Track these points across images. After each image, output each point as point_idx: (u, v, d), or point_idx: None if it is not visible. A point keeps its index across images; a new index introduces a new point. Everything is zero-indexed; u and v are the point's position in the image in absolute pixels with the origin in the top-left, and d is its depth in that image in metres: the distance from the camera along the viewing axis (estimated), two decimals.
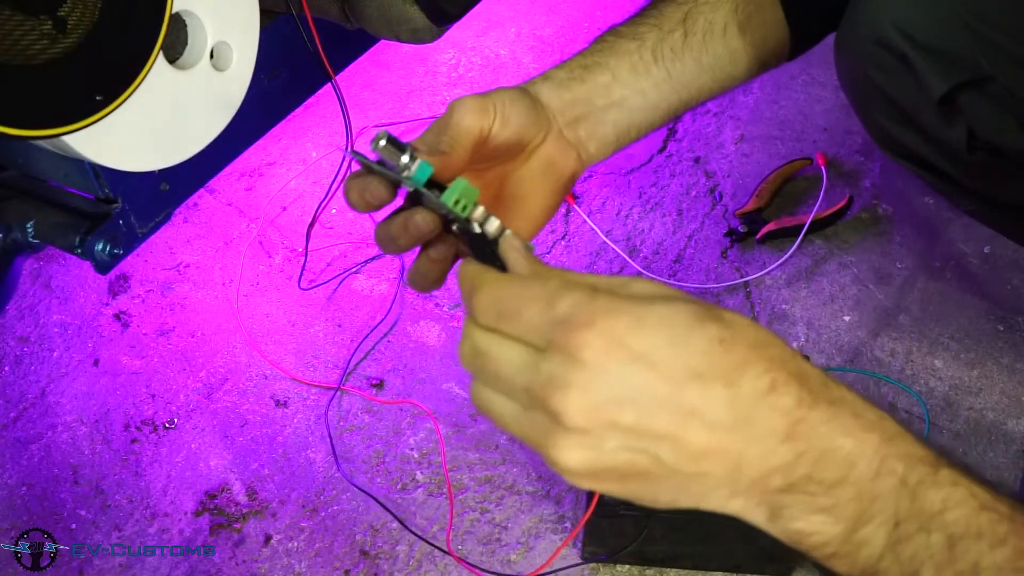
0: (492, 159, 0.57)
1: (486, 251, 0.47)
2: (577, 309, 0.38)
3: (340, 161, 1.24)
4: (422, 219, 0.50)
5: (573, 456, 0.38)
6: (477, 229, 0.46)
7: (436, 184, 0.49)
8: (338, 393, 1.04)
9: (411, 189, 0.49)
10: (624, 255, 1.15)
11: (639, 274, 1.13)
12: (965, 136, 0.70)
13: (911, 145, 0.75)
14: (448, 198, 0.47)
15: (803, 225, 1.14)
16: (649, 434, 0.37)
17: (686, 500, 0.40)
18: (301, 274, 1.14)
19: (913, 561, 0.39)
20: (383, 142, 0.47)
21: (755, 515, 0.40)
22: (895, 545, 0.39)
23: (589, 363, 0.37)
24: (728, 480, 0.38)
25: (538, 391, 0.38)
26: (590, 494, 0.82)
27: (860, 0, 0.70)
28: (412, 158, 0.48)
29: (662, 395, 0.37)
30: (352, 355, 1.07)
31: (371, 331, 1.09)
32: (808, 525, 0.39)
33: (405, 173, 0.48)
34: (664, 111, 0.68)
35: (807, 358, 0.42)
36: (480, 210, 0.47)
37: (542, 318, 0.39)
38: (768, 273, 1.13)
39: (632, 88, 0.65)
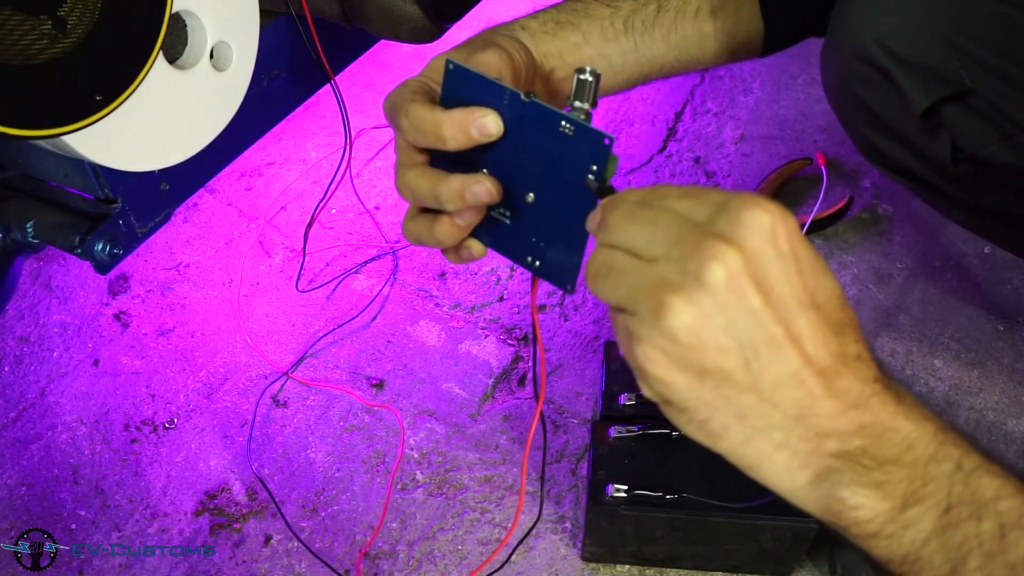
0: None
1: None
2: (756, 196, 0.38)
3: (339, 161, 1.24)
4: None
5: (687, 312, 0.37)
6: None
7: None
8: (338, 393, 1.04)
9: (567, 131, 0.45)
10: None
11: None
12: (949, 149, 0.70)
13: (897, 157, 0.76)
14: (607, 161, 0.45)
15: (803, 225, 1.14)
16: (759, 330, 0.38)
17: (738, 432, 0.40)
18: (299, 275, 1.14)
19: (961, 548, 0.39)
20: (591, 78, 0.46)
21: (797, 476, 0.40)
22: (944, 530, 0.39)
23: (755, 231, 0.37)
24: (788, 424, 0.39)
25: (691, 240, 0.38)
26: (590, 494, 0.82)
27: (843, 15, 0.70)
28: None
29: (789, 302, 0.38)
30: (352, 355, 1.07)
31: (371, 330, 1.10)
32: (854, 496, 0.39)
33: (576, 109, 0.46)
34: (624, 79, 0.69)
35: None
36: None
37: (719, 196, 0.39)
38: None
39: (599, 51, 0.66)
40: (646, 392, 0.40)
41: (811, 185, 1.21)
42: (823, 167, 1.20)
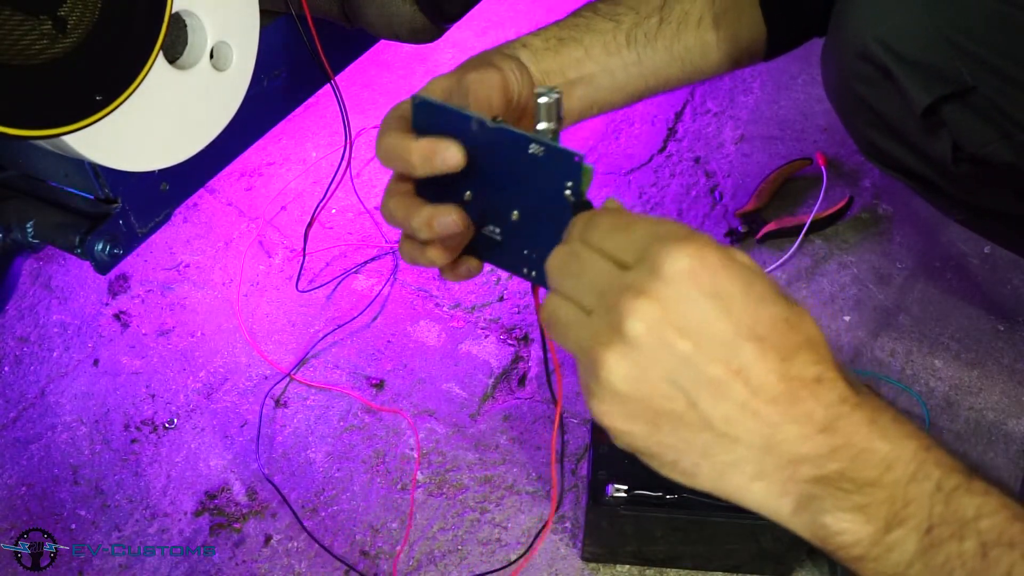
0: None
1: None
2: (678, 229, 0.39)
3: (339, 161, 1.24)
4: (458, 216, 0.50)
5: (620, 366, 0.38)
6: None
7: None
8: (339, 393, 1.04)
9: (538, 152, 0.46)
10: None
11: None
12: (950, 148, 0.70)
13: (898, 156, 0.76)
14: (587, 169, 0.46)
15: (803, 225, 1.14)
16: (697, 373, 0.38)
17: (709, 469, 0.39)
18: (299, 275, 1.14)
19: (944, 568, 0.39)
20: (553, 97, 0.47)
21: (778, 505, 0.40)
22: (927, 550, 0.39)
23: (670, 279, 0.37)
24: (756, 456, 0.38)
25: (613, 294, 0.38)
26: (590, 494, 0.82)
27: (843, 14, 0.70)
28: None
29: (722, 339, 0.37)
30: (351, 355, 1.07)
31: (371, 330, 1.10)
32: (837, 522, 0.39)
33: (543, 132, 0.47)
34: (628, 93, 0.69)
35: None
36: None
37: (644, 233, 0.39)
38: (768, 273, 1.12)
39: (602, 67, 0.67)
40: (617, 444, 0.41)
41: (811, 185, 1.21)
42: (823, 167, 1.20)
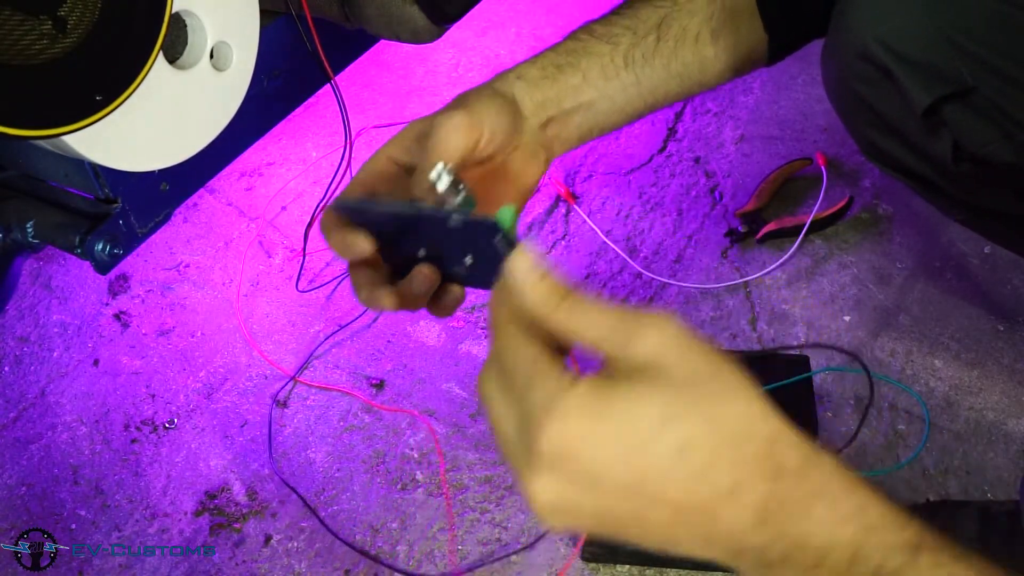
0: (468, 169, 0.58)
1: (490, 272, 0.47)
2: (550, 416, 0.37)
3: (339, 161, 1.24)
4: (430, 272, 0.52)
5: (540, 500, 0.38)
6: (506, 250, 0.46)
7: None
8: (339, 393, 1.04)
9: (457, 224, 0.48)
10: (624, 255, 1.15)
11: (639, 275, 1.13)
12: (950, 148, 0.70)
13: (898, 156, 0.76)
14: (506, 220, 0.46)
15: (803, 225, 1.14)
16: (613, 517, 0.38)
17: (662, 544, 0.40)
18: (299, 275, 1.14)
19: None
20: (447, 179, 0.48)
21: (739, 565, 0.40)
22: None
23: (552, 458, 0.37)
24: (701, 546, 0.39)
25: (516, 457, 0.39)
26: None
27: (844, 15, 0.70)
28: (459, 190, 0.49)
29: (624, 485, 0.37)
30: (351, 355, 1.07)
31: (371, 330, 1.10)
32: None
33: (454, 205, 0.49)
34: (628, 115, 0.69)
35: (810, 435, 0.39)
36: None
37: (520, 410, 0.39)
38: (768, 273, 1.13)
39: (601, 92, 0.66)
40: None
41: (811, 185, 1.21)
42: (823, 167, 1.20)
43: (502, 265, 0.43)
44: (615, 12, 0.68)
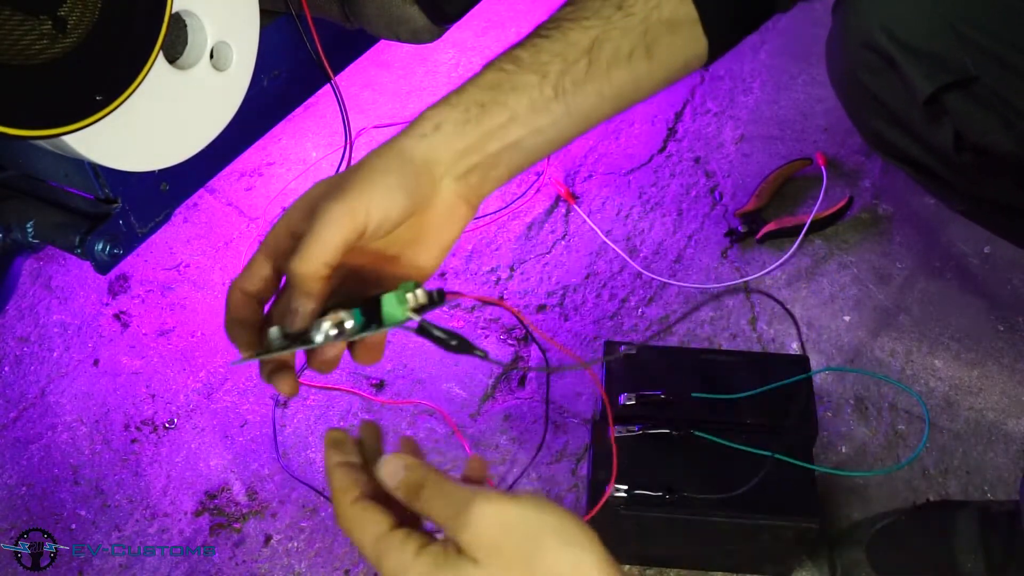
0: (371, 246, 0.56)
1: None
2: (400, 572, 0.44)
3: (339, 161, 1.24)
4: (334, 355, 0.54)
5: None
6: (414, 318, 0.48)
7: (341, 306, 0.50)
8: (338, 393, 1.04)
9: (354, 339, 0.50)
10: (624, 255, 1.15)
11: (639, 275, 1.13)
12: (952, 137, 0.70)
13: (901, 145, 0.76)
14: (393, 318, 0.48)
15: (803, 225, 1.14)
16: None
17: None
18: None
19: None
20: (328, 327, 0.49)
21: None
22: None
23: None
24: None
25: None
26: (590, 494, 0.82)
27: (850, 4, 0.70)
28: (346, 316, 0.49)
29: None
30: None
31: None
32: None
33: (351, 331, 0.49)
34: (559, 143, 0.64)
35: None
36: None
37: (386, 565, 0.44)
38: (768, 273, 1.13)
39: (530, 128, 0.61)
40: None
41: (811, 185, 1.21)
42: (823, 167, 1.20)
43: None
44: (541, 35, 0.63)
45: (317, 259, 0.51)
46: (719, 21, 0.66)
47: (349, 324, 0.48)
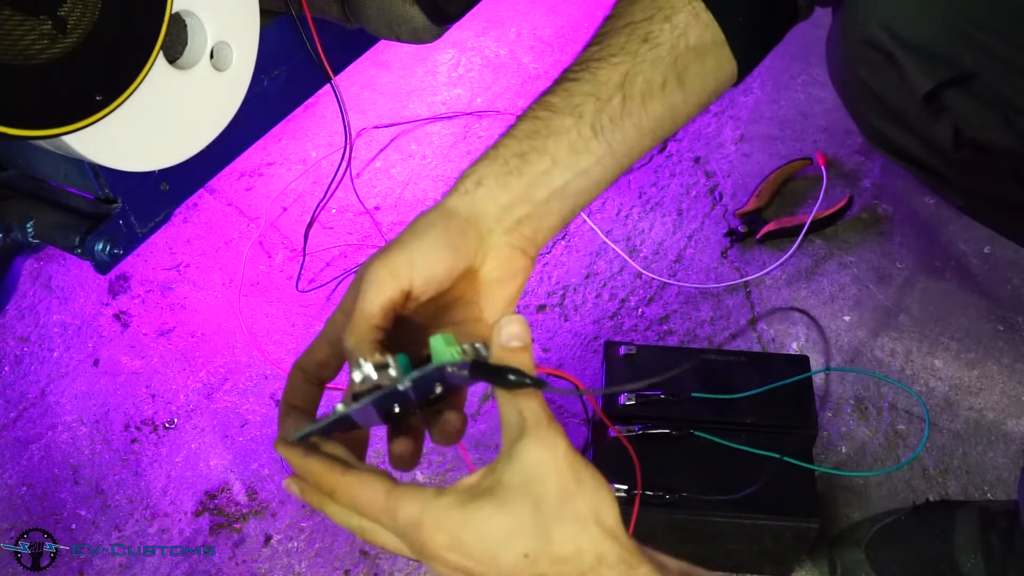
0: (429, 308, 0.55)
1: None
2: (421, 515, 0.44)
3: (339, 161, 1.24)
4: (405, 446, 0.55)
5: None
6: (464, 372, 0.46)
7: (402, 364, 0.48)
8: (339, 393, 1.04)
9: (406, 387, 0.46)
10: (624, 255, 1.15)
11: (639, 275, 1.13)
12: (951, 133, 0.70)
13: (900, 142, 0.76)
14: (441, 358, 0.46)
15: (803, 225, 1.14)
16: None
17: None
18: (299, 275, 1.14)
19: None
20: (370, 370, 0.46)
21: None
22: None
23: (432, 555, 0.45)
24: None
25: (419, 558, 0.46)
26: None
27: (849, 1, 0.71)
28: (389, 363, 0.47)
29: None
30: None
31: None
32: None
33: (396, 378, 0.46)
34: (607, 183, 0.64)
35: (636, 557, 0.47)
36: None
37: (401, 515, 0.45)
38: (768, 273, 1.13)
39: (573, 171, 0.60)
40: None
41: (811, 185, 1.21)
42: (823, 167, 1.20)
43: (464, 383, 0.47)
44: (569, 78, 0.62)
45: (365, 323, 0.51)
46: (745, 40, 0.67)
47: (392, 366, 0.46)
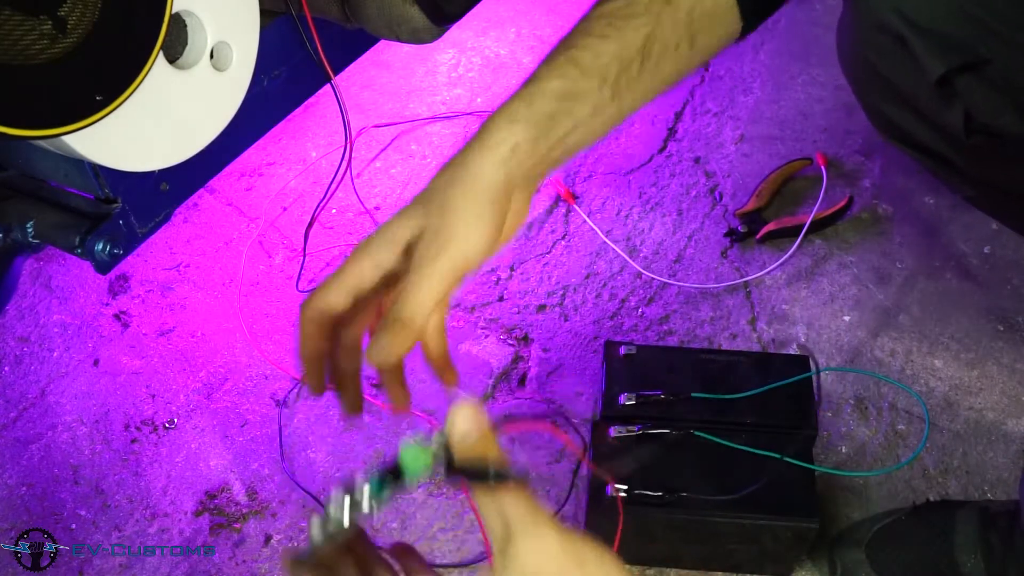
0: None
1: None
2: None
3: (339, 161, 1.24)
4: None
5: None
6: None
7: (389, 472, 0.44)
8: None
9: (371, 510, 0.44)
10: (624, 255, 1.15)
11: (639, 275, 1.13)
12: (963, 119, 0.70)
13: (910, 130, 0.75)
14: (414, 472, 0.43)
15: (803, 225, 1.14)
16: None
17: None
18: (299, 275, 1.14)
19: None
20: (346, 509, 0.43)
21: None
22: None
23: None
24: None
25: None
26: (590, 494, 0.83)
27: None
28: (361, 485, 0.43)
29: None
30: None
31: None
32: None
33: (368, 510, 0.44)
34: (601, 138, 0.66)
35: None
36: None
37: None
38: (768, 273, 1.13)
39: (588, 131, 0.62)
40: None
41: (811, 185, 1.21)
42: (823, 167, 1.20)
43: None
44: (595, 34, 0.63)
45: (421, 307, 0.55)
46: (756, 2, 0.68)
47: (365, 491, 0.44)
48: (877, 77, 0.73)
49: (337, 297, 0.57)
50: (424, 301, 0.55)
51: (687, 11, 0.66)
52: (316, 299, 0.56)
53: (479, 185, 0.57)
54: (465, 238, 0.55)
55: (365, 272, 0.57)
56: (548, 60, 0.63)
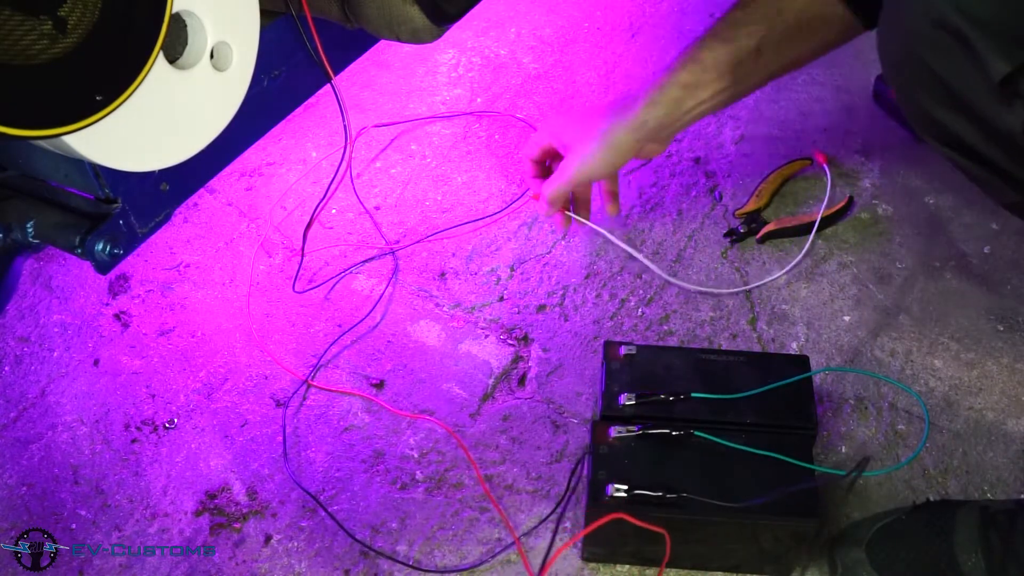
0: None
1: None
2: None
3: (339, 161, 1.24)
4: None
5: None
6: None
7: None
8: (340, 393, 1.04)
9: None
10: (624, 253, 1.15)
11: (639, 274, 1.13)
12: (1022, 121, 0.68)
13: (958, 131, 0.73)
14: None
15: (803, 225, 1.14)
16: None
17: None
18: (297, 276, 1.14)
19: None
20: None
21: None
22: None
23: None
24: None
25: None
26: (590, 494, 0.83)
27: None
28: None
29: None
30: (343, 351, 1.07)
31: (371, 330, 1.10)
32: None
33: None
34: (722, 109, 1.01)
35: None
36: None
37: None
38: (768, 273, 1.13)
39: (709, 107, 0.95)
40: None
41: (811, 185, 1.21)
42: (825, 165, 1.20)
43: None
44: (722, 38, 0.91)
45: (554, 193, 1.05)
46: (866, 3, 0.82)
47: None
48: (928, 76, 0.71)
49: (535, 149, 1.09)
50: (555, 190, 1.05)
51: (795, 17, 0.87)
52: (526, 150, 1.10)
53: (623, 138, 0.99)
54: (604, 163, 1.02)
55: (544, 148, 1.08)
56: (682, 55, 0.93)
